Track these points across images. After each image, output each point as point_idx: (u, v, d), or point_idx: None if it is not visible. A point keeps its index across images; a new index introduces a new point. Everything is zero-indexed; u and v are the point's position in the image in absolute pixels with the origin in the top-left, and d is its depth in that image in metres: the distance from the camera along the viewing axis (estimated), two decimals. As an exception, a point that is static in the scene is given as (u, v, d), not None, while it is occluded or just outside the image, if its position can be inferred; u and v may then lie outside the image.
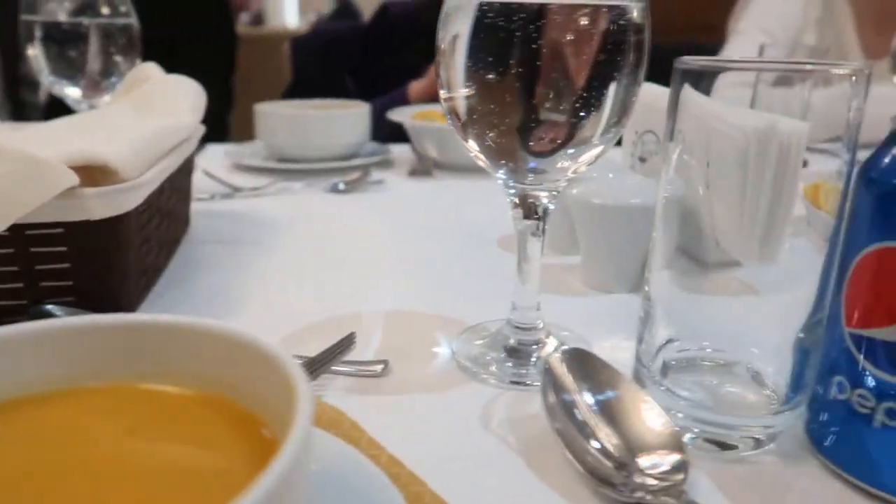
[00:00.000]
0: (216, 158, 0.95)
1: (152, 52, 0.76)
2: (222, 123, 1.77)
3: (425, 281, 0.56)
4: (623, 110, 0.34)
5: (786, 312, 0.33)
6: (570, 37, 0.31)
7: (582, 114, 0.33)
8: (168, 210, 0.55)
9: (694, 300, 0.35)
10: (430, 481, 0.28)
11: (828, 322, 0.31)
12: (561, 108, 0.32)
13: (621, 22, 0.32)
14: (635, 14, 0.33)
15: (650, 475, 0.29)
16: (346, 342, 0.38)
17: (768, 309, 0.35)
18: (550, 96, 0.32)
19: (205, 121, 0.62)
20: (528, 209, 0.38)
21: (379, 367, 0.39)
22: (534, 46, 0.31)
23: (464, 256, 0.61)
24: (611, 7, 0.32)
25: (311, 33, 2.04)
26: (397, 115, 0.97)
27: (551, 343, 0.41)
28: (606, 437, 0.30)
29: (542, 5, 0.31)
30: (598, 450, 0.30)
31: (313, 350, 0.39)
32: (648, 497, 0.28)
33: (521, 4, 0.31)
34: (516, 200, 0.38)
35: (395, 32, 1.58)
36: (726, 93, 0.34)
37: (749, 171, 0.37)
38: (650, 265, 0.35)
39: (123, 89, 0.64)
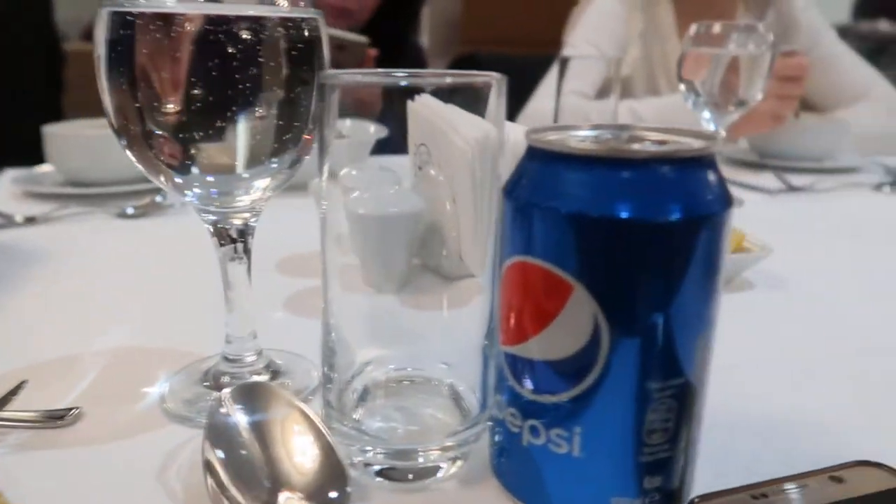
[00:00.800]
0: (1, 186, 0.87)
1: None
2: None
3: (177, 314, 0.52)
4: (300, 124, 0.33)
5: (477, 326, 0.32)
6: (204, 50, 0.29)
7: (223, 135, 0.31)
8: None
9: (385, 319, 0.34)
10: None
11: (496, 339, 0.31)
12: (197, 128, 0.30)
13: (268, 34, 0.31)
14: (299, 27, 0.32)
15: (295, 518, 0.27)
16: (11, 393, 0.34)
17: (461, 322, 0.34)
18: (185, 116, 0.30)
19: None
20: (221, 234, 0.36)
21: (67, 416, 0.35)
22: (163, 61, 0.29)
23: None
24: (261, 19, 0.30)
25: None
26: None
27: (266, 376, 0.39)
28: (258, 480, 0.28)
29: (171, 14, 0.29)
30: (243, 493, 0.28)
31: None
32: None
33: (143, 13, 0.29)
34: (210, 228, 0.36)
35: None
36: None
37: (476, 180, 0.37)
38: (327, 292, 0.33)
39: None
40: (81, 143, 0.83)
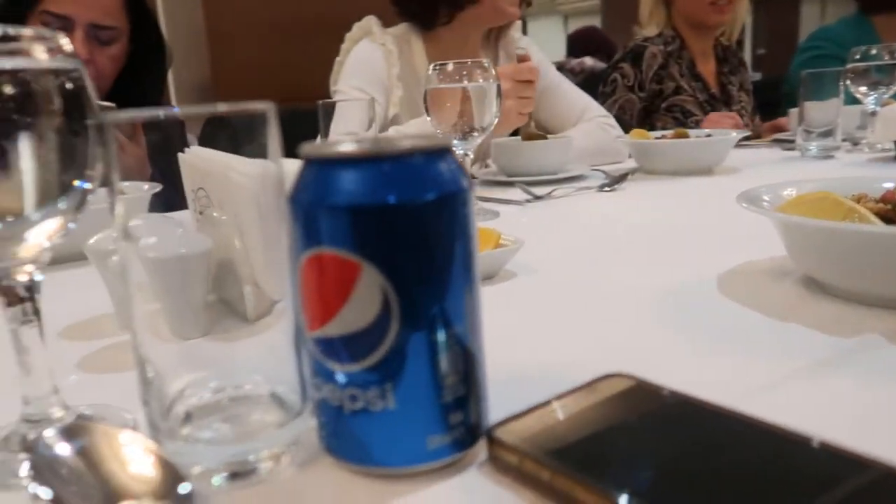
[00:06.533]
0: None
1: None
2: None
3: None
4: (66, 181, 0.34)
5: (277, 342, 0.36)
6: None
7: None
8: None
9: (195, 347, 0.36)
10: None
11: (302, 333, 0.35)
12: None
13: (32, 85, 0.32)
14: (61, 79, 0.33)
15: (141, 527, 0.28)
16: None
17: (269, 338, 0.37)
18: None
19: None
20: (8, 293, 0.35)
21: None
22: None
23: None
24: (18, 72, 0.32)
25: None
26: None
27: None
28: (90, 498, 0.29)
29: None
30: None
31: None
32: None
33: None
34: (-11, 289, 0.35)
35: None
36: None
37: (262, 210, 0.39)
38: (134, 327, 0.34)
39: None
40: None
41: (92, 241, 0.57)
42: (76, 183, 0.35)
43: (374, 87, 1.43)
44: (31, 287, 0.36)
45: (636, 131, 1.41)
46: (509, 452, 0.32)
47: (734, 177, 1.26)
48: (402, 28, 1.53)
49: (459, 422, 0.33)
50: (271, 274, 0.40)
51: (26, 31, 0.34)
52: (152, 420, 0.34)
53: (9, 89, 0.32)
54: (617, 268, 0.70)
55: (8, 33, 0.33)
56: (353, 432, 0.33)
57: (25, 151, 0.32)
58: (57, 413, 0.38)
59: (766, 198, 0.60)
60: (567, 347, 0.49)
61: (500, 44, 1.60)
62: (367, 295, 0.31)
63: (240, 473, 0.34)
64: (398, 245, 0.31)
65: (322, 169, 0.32)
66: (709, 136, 1.38)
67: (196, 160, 0.53)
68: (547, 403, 0.36)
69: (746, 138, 1.69)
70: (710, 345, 0.48)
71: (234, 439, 0.35)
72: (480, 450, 0.35)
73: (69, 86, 0.34)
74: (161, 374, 0.35)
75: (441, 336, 0.32)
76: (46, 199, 0.33)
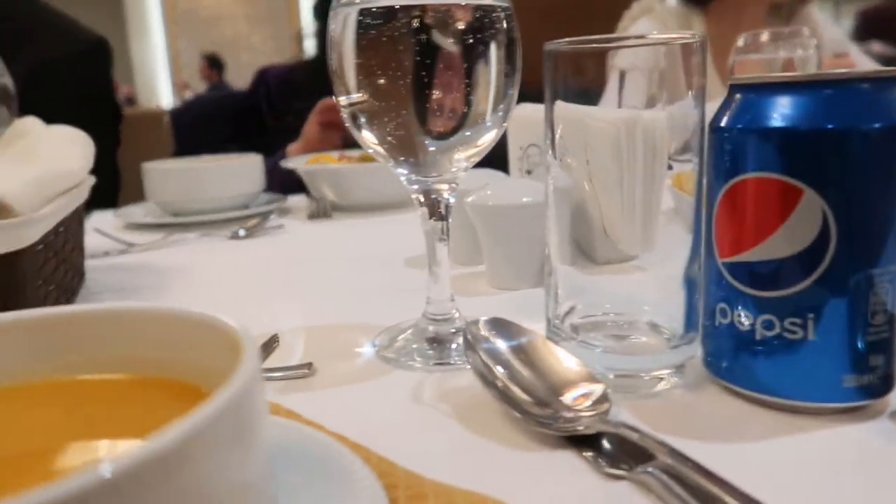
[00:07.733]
0: (105, 221, 0.92)
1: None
2: (111, 201, 1.69)
3: (338, 299, 0.57)
4: (504, 94, 0.39)
5: (668, 277, 0.37)
6: (448, 32, 0.36)
7: (468, 97, 0.37)
8: (64, 256, 0.53)
9: (588, 275, 0.39)
10: (374, 448, 0.29)
11: (705, 262, 0.35)
12: (450, 94, 0.36)
13: (491, 18, 0.37)
14: (501, 13, 0.38)
15: (578, 409, 0.31)
16: (271, 343, 0.39)
17: (653, 277, 0.39)
18: (440, 85, 0.36)
19: (94, 196, 0.63)
20: (432, 206, 0.41)
21: (305, 369, 0.39)
22: (418, 42, 0.35)
23: (372, 277, 0.63)
24: (480, 6, 0.37)
25: (189, 103, 2.03)
26: (290, 163, 0.98)
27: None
28: (533, 384, 0.32)
29: (417, 6, 0.35)
30: (528, 395, 0.32)
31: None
32: (581, 427, 0.30)
33: (395, 7, 0.35)
34: (421, 198, 0.41)
35: (273, 96, 1.59)
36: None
37: (623, 157, 0.42)
38: (550, 244, 0.38)
39: (2, 145, 0.62)
40: (181, 175, 0.89)
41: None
42: (500, 112, 0.39)
43: (645, 61, 1.40)
44: (448, 207, 0.42)
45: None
46: (942, 404, 0.30)
47: None
48: (682, 5, 1.48)
49: (878, 366, 0.32)
50: (624, 224, 0.41)
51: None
52: (554, 326, 0.38)
53: (466, 23, 0.36)
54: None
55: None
56: (759, 361, 0.33)
57: (489, 69, 0.37)
58: (455, 314, 0.43)
59: None
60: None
61: (794, 22, 1.47)
62: (806, 220, 0.30)
63: (629, 386, 0.36)
64: (843, 172, 0.30)
65: (758, 96, 0.32)
66: None
67: (526, 118, 0.57)
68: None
69: None
70: None
71: (622, 352, 0.37)
72: (890, 401, 0.33)
73: (506, 24, 0.38)
74: (562, 292, 0.38)
75: (874, 270, 0.31)
76: (495, 110, 0.38)
